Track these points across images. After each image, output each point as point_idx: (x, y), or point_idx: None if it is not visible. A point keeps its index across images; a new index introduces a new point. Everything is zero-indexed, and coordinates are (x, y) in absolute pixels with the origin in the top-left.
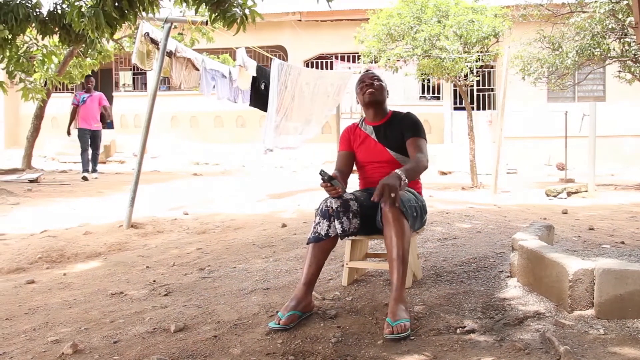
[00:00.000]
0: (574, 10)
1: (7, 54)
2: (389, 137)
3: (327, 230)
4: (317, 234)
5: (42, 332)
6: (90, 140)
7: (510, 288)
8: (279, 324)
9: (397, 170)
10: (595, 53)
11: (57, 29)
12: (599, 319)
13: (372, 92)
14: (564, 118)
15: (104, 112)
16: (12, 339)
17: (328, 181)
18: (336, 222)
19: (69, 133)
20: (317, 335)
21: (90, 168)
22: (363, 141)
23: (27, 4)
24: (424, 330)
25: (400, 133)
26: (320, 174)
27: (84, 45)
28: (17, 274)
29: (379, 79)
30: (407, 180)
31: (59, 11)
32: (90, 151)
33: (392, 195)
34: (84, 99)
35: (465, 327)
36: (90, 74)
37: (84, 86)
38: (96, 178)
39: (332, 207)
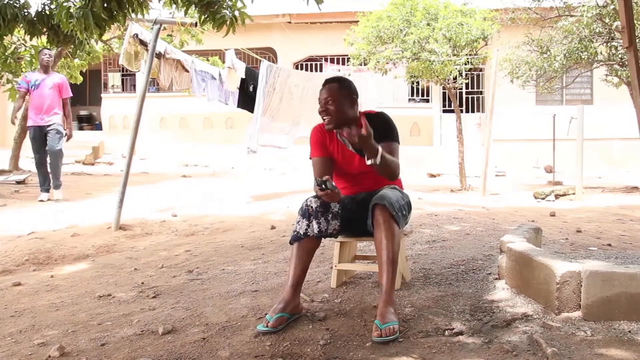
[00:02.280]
0: (561, 14)
1: None
2: None
3: (306, 229)
4: (296, 233)
5: (28, 334)
6: (45, 140)
7: (499, 290)
8: (267, 326)
9: (379, 149)
10: (583, 57)
11: (45, 29)
12: (586, 320)
13: (328, 120)
14: (552, 121)
15: (64, 108)
16: None
17: (322, 185)
18: (314, 221)
19: (13, 122)
20: (305, 338)
21: (51, 183)
22: (341, 150)
23: (15, 4)
24: (412, 333)
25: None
26: (319, 183)
27: (72, 46)
28: (3, 276)
29: (333, 99)
30: (379, 159)
31: (47, 11)
32: (48, 159)
33: (356, 138)
34: (37, 83)
35: (453, 329)
36: (47, 47)
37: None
38: (57, 200)
39: (311, 207)
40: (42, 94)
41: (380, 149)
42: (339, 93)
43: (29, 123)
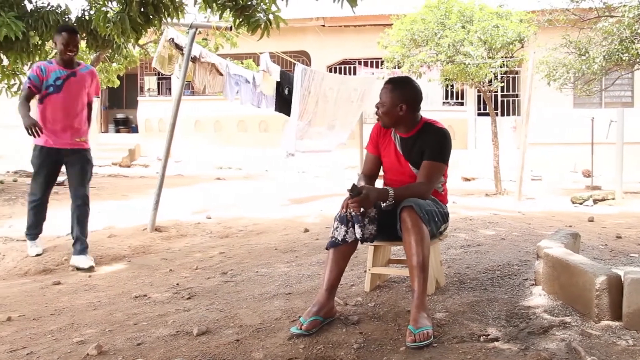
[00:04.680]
0: (601, 14)
1: (37, 59)
2: (414, 152)
3: (344, 235)
4: (333, 239)
5: (67, 332)
6: (58, 171)
7: (535, 296)
8: (301, 329)
9: (389, 189)
10: (624, 58)
11: (84, 34)
12: (628, 329)
13: (379, 119)
14: (591, 124)
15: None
16: (39, 339)
17: (356, 195)
18: (356, 226)
19: (35, 130)
20: (339, 341)
21: (77, 246)
22: (389, 148)
23: (56, 11)
24: (446, 338)
25: (424, 149)
26: (350, 190)
27: (110, 51)
28: (43, 275)
29: (382, 102)
30: (393, 200)
31: (87, 17)
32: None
33: (361, 208)
34: (59, 81)
35: (489, 335)
36: (71, 25)
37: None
38: (89, 269)
39: (350, 213)
40: (69, 99)
41: (389, 192)
42: (388, 96)
43: (41, 140)
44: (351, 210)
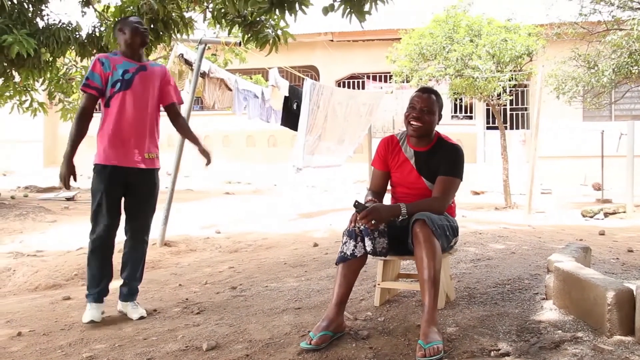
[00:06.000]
0: (610, 28)
1: (48, 75)
2: (429, 167)
3: (353, 250)
4: (342, 254)
5: (77, 348)
6: (122, 195)
7: (546, 311)
8: (310, 344)
9: (401, 205)
10: (633, 71)
11: (95, 50)
12: None
13: (417, 127)
14: (600, 137)
15: (177, 120)
16: (49, 354)
17: (357, 209)
18: (366, 239)
19: (67, 183)
20: (349, 356)
21: (123, 290)
22: (401, 164)
23: (67, 28)
24: (457, 353)
25: (439, 165)
26: (354, 206)
27: None
28: (54, 290)
29: (430, 110)
30: (406, 216)
31: (97, 33)
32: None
33: (372, 222)
34: (127, 75)
35: (499, 349)
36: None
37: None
38: (141, 318)
39: (359, 227)
40: (141, 98)
41: (402, 207)
42: (435, 103)
43: (100, 156)
44: (360, 224)
